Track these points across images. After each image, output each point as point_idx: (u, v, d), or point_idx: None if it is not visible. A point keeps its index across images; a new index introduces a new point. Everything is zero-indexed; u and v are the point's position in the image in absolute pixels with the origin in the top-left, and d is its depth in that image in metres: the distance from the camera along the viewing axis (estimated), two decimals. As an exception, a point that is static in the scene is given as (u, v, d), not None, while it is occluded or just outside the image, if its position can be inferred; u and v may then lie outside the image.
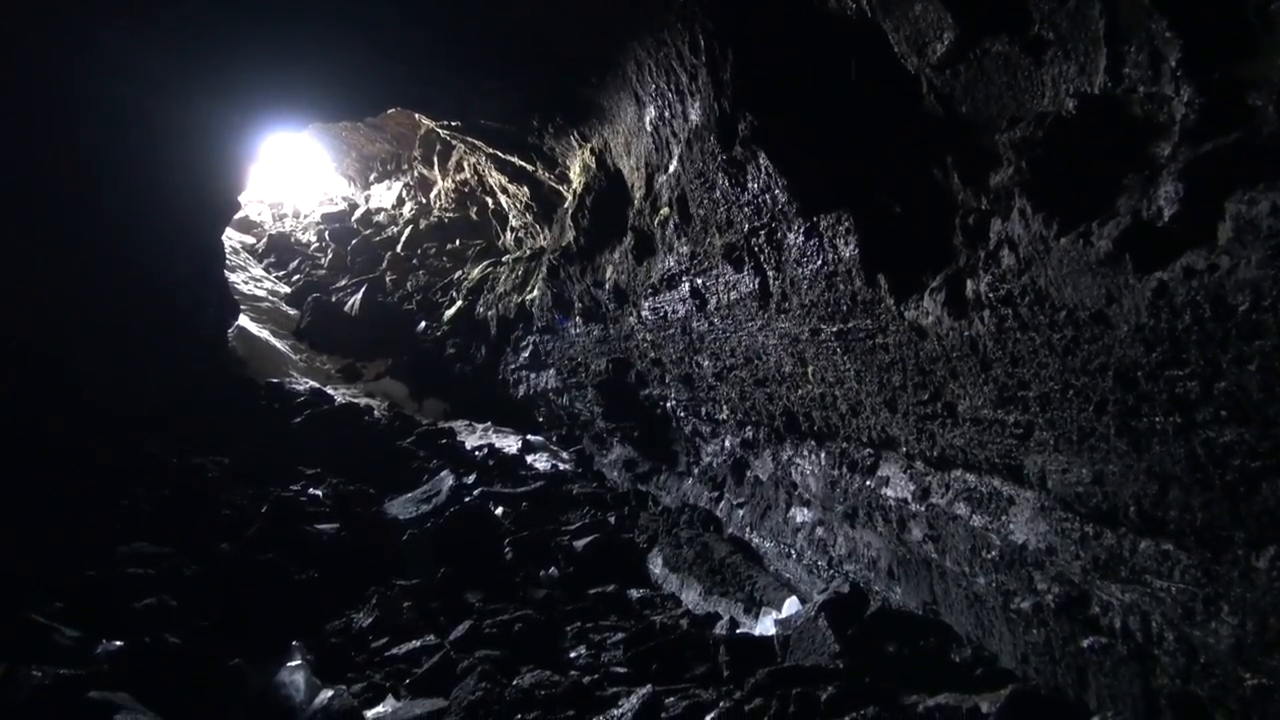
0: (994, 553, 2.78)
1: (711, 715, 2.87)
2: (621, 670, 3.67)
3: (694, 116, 4.38)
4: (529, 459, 7.94)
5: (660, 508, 6.28)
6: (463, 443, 8.35)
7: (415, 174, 13.13)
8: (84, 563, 4.06)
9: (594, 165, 6.45)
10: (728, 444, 5.54)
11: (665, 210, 5.25)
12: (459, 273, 9.67)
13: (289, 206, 17.68)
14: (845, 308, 3.39)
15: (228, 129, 7.00)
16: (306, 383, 9.47)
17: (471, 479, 7.05)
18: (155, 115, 5.73)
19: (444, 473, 6.75)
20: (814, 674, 2.99)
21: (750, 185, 3.81)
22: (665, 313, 5.66)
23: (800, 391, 4.23)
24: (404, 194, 13.86)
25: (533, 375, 8.28)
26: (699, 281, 4.98)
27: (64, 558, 4.08)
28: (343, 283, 12.17)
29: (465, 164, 10.32)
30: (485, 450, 8.04)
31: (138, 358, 6.10)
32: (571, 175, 7.12)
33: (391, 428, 8.43)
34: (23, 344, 5.38)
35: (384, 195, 14.95)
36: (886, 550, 3.65)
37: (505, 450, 8.13)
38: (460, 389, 9.48)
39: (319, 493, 6.27)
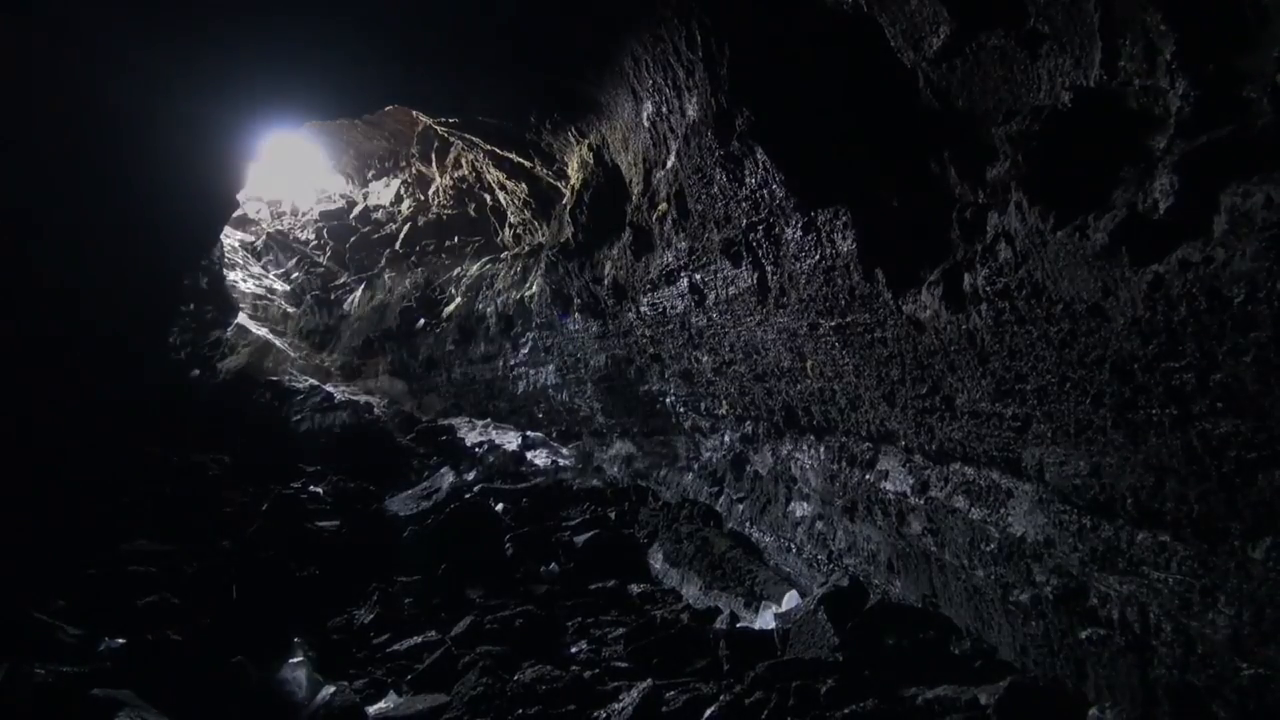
0: (993, 545, 2.79)
1: (712, 709, 2.89)
2: (622, 665, 3.68)
3: (691, 112, 4.37)
4: (529, 455, 7.96)
5: (660, 503, 6.29)
6: (462, 439, 8.37)
7: (413, 171, 13.09)
8: (86, 560, 4.07)
9: (592, 161, 6.44)
10: (727, 439, 5.55)
11: (663, 205, 5.25)
12: (458, 269, 9.68)
13: (287, 205, 17.65)
14: (843, 302, 3.40)
15: (225, 127, 6.98)
16: (306, 380, 9.48)
17: (471, 475, 7.07)
18: (154, 113, 5.72)
19: (444, 469, 6.77)
20: (814, 667, 3.00)
21: (748, 180, 3.81)
22: (664, 308, 5.66)
23: (799, 386, 4.24)
24: (402, 191, 13.82)
25: (532, 372, 8.30)
26: (697, 277, 4.98)
27: (66, 555, 4.10)
28: (341, 280, 12.16)
29: (463, 161, 10.31)
30: (485, 447, 8.06)
31: (138, 356, 6.10)
32: (570, 171, 7.11)
33: (391, 424, 8.45)
34: (24, 343, 5.38)
35: (382, 192, 14.91)
36: (886, 544, 3.66)
37: (505, 447, 8.14)
38: (459, 385, 9.48)
39: (319, 490, 6.29)
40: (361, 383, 10.02)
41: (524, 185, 8.65)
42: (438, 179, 10.75)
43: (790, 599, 4.03)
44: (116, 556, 4.24)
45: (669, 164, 5.05)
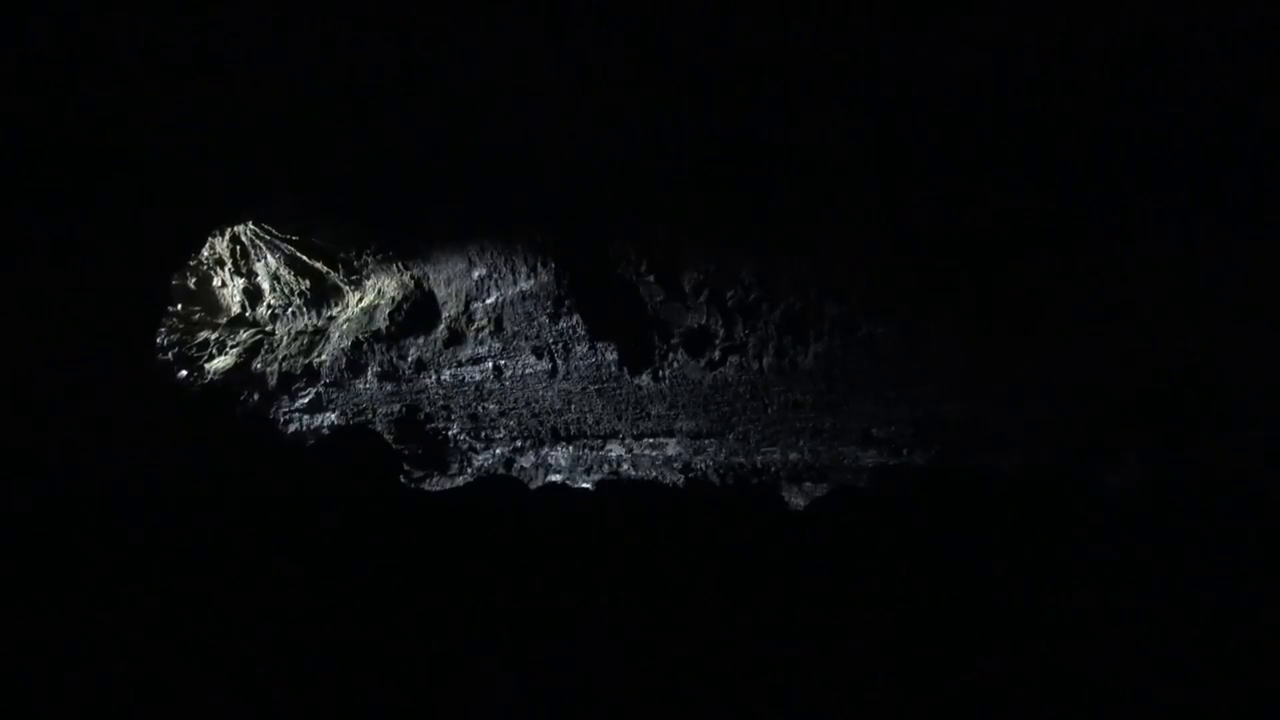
0: (660, 458, 8.25)
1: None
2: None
3: (523, 285, 9.22)
4: (305, 478, 10.81)
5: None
6: (240, 467, 10.69)
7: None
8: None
9: (412, 285, 10.51)
10: (499, 451, 10.08)
11: (482, 322, 9.79)
12: (214, 334, 11.78)
13: None
14: (604, 378, 8.63)
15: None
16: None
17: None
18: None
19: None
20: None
21: (561, 324, 8.85)
22: (463, 378, 10.04)
23: (564, 418, 9.24)
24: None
25: (306, 416, 11.22)
26: (501, 362, 9.63)
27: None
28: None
29: (217, 246, 12.50)
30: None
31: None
32: (379, 285, 10.91)
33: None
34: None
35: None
36: (607, 475, 8.84)
37: (280, 472, 10.79)
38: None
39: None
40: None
41: (308, 281, 11.81)
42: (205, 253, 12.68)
43: (563, 510, 8.87)
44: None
45: (490, 301, 9.65)
